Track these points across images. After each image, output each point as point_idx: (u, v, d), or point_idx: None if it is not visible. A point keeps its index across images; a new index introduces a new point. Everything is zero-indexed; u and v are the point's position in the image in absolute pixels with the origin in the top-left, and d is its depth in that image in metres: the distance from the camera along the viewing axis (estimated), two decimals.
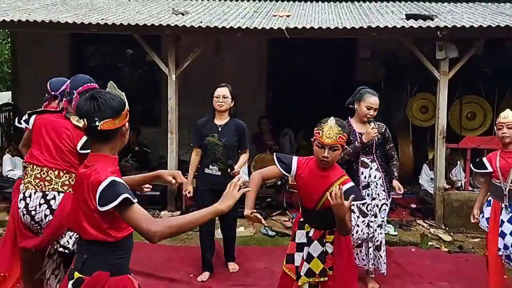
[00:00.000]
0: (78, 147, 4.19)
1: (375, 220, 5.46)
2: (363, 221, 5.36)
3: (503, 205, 5.07)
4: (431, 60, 7.67)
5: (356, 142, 5.31)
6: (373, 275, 5.62)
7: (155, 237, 2.51)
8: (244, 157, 5.92)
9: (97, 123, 2.59)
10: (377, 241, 5.51)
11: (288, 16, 8.66)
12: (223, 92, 5.75)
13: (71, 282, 2.69)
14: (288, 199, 8.25)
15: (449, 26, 7.37)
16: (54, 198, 4.17)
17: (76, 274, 2.67)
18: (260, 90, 10.80)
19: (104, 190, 2.52)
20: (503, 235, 5.05)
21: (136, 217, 2.53)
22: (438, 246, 7.09)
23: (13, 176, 8.71)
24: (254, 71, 10.63)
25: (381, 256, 5.54)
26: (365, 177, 5.40)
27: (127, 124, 2.74)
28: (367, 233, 5.44)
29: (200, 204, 6.01)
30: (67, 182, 4.19)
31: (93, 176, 2.58)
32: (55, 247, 4.24)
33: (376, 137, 5.37)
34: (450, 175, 8.28)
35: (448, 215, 7.72)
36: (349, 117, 5.51)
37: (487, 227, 5.22)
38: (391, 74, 9.97)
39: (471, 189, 8.01)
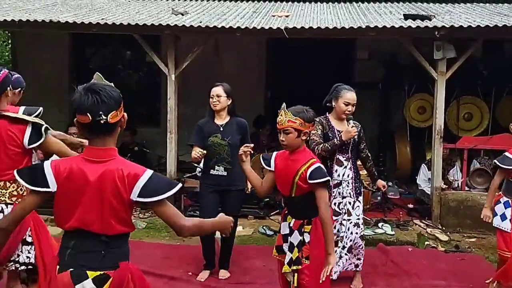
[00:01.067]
0: (26, 143, 3.79)
1: (348, 219, 5.41)
2: (336, 220, 5.24)
3: None
4: (429, 60, 7.71)
5: (335, 140, 5.23)
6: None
7: (187, 232, 2.71)
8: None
9: (103, 117, 2.55)
10: (350, 240, 5.42)
11: (287, 16, 8.70)
12: (216, 91, 5.69)
13: (86, 281, 2.62)
14: None
15: (447, 26, 7.41)
16: (2, 211, 3.80)
17: (92, 274, 2.62)
18: (259, 90, 10.85)
19: (149, 181, 2.60)
20: None
21: (171, 212, 2.67)
22: (435, 245, 7.12)
23: None
24: (254, 71, 10.68)
25: (359, 253, 5.52)
26: (338, 175, 5.34)
27: (125, 114, 2.71)
28: (341, 231, 5.40)
29: (205, 205, 5.98)
30: (15, 193, 3.84)
31: (127, 170, 2.60)
32: (14, 267, 3.88)
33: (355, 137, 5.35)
34: (448, 175, 8.33)
35: (445, 215, 7.75)
36: (327, 113, 5.47)
37: (510, 229, 5.06)
38: (390, 74, 10.02)
39: (467, 189, 8.06)
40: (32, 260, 3.90)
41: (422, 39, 7.80)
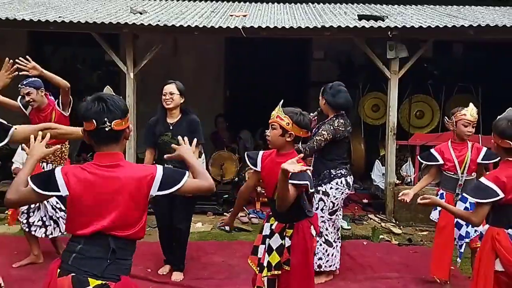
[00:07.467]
0: None
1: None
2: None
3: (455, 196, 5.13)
4: (382, 59, 7.90)
5: None
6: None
7: (211, 186, 2.90)
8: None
9: (107, 124, 2.63)
10: (326, 235, 5.53)
11: (244, 16, 8.79)
12: (169, 89, 5.58)
13: None
14: None
15: (399, 27, 7.62)
16: None
17: (93, 282, 2.61)
18: (218, 89, 10.91)
19: (164, 176, 2.75)
20: (459, 226, 5.10)
21: (193, 187, 2.86)
22: (389, 239, 7.27)
23: None
24: (212, 70, 10.74)
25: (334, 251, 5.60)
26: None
27: (130, 125, 2.80)
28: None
29: (156, 204, 5.91)
30: None
31: (142, 170, 2.76)
32: None
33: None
34: (400, 170, 8.54)
35: (398, 209, 7.92)
36: None
37: (437, 219, 5.28)
38: (345, 73, 10.18)
39: None
40: None
41: (376, 39, 7.98)
